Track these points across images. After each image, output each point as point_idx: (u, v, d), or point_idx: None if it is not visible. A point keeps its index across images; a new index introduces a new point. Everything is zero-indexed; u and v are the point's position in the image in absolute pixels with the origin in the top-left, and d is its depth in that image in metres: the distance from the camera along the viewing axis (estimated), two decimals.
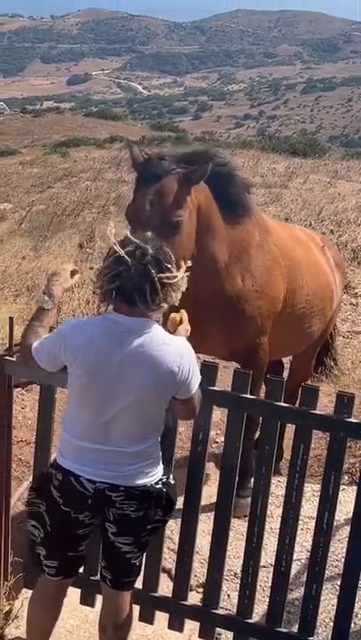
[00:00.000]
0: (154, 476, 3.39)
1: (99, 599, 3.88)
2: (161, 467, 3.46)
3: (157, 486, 3.40)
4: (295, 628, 3.92)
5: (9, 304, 10.01)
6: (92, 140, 44.99)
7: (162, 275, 3.12)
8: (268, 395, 3.76)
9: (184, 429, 6.15)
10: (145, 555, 3.87)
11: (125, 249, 3.13)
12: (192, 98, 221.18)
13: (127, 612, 3.54)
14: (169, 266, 3.17)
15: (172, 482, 3.52)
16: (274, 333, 5.21)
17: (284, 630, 3.90)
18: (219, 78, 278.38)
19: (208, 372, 3.80)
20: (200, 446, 3.89)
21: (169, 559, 4.61)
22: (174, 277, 3.18)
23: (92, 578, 4.05)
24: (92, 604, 4.14)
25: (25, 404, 6.47)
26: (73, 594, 4.18)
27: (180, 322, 3.63)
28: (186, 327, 3.62)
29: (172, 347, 3.23)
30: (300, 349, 6.03)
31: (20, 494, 5.07)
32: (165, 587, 4.26)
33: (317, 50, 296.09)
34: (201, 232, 4.60)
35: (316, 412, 3.68)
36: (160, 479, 3.43)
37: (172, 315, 3.66)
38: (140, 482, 3.34)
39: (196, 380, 3.30)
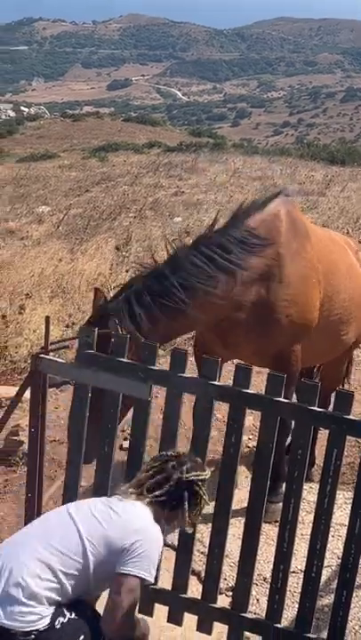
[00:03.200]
0: (23, 623, 3.04)
1: None
2: (39, 624, 3.06)
3: (22, 637, 3.04)
4: (324, 635, 3.90)
5: (45, 305, 10.07)
6: (131, 144, 45.09)
7: (186, 485, 3.38)
8: (302, 399, 3.74)
9: (216, 433, 6.15)
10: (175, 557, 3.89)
11: (168, 453, 3.54)
12: (231, 104, 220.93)
13: None
14: (195, 488, 3.42)
15: (59, 625, 3.11)
16: (308, 340, 5.19)
17: (314, 636, 3.88)
18: (258, 85, 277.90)
19: (242, 375, 3.80)
20: (232, 448, 3.88)
21: (199, 562, 4.61)
22: (195, 497, 3.42)
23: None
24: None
25: (59, 403, 6.51)
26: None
27: None
28: None
29: (147, 521, 3.31)
30: (334, 356, 5.98)
31: (51, 493, 5.09)
32: (195, 589, 4.26)
33: (358, 58, 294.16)
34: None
35: (350, 417, 3.66)
36: (35, 629, 3.05)
37: None
38: (6, 622, 3.04)
39: (142, 565, 3.19)
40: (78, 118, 73.23)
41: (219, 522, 3.99)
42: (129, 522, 3.23)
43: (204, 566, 4.14)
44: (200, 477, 3.42)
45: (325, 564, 3.93)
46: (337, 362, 6.16)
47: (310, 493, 5.21)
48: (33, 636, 3.05)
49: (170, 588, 4.10)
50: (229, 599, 4.27)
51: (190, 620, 4.10)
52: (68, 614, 3.15)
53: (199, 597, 4.10)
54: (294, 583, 4.38)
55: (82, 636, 3.14)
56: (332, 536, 4.45)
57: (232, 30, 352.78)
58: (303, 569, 3.92)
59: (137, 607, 3.34)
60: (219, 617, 4.05)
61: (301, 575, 3.95)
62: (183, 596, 4.09)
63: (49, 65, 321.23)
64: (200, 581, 4.35)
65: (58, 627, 3.10)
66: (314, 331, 5.20)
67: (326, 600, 4.41)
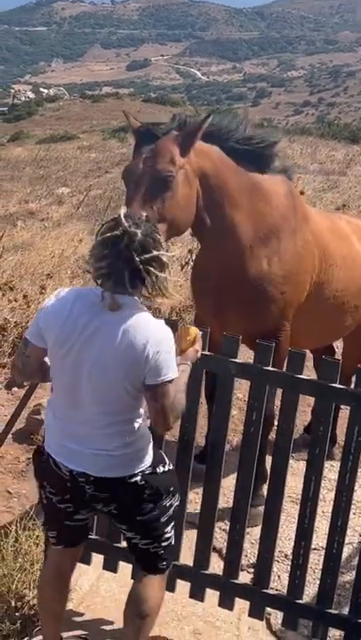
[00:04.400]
0: (127, 469, 3.25)
1: None
2: (142, 460, 3.30)
3: (131, 480, 3.25)
4: (346, 611, 3.91)
5: (65, 286, 10.08)
6: None
7: (146, 264, 3.04)
8: (323, 376, 3.74)
9: (237, 412, 6.16)
10: (198, 534, 3.89)
11: (113, 232, 3.05)
12: (251, 84, 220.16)
13: (148, 590, 3.46)
14: (156, 253, 3.07)
15: (161, 470, 3.38)
16: (300, 323, 5.12)
17: (335, 612, 3.90)
18: (278, 65, 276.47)
19: (263, 352, 3.80)
20: (253, 427, 3.89)
21: (220, 539, 4.64)
22: (160, 266, 3.09)
23: None
24: None
25: None
26: (124, 568, 4.23)
27: (194, 341, 3.55)
28: (196, 349, 3.55)
29: (146, 325, 3.10)
30: (334, 340, 5.91)
31: None
32: (217, 566, 4.28)
33: None
34: (213, 201, 4.56)
35: None
36: (139, 472, 3.28)
37: (188, 327, 3.61)
38: (107, 474, 3.22)
39: (167, 368, 3.11)
40: (98, 99, 73.29)
41: (240, 499, 4.00)
42: (135, 342, 3.04)
43: (226, 543, 4.16)
44: (162, 256, 3.10)
45: (346, 541, 3.93)
46: (356, 340, 6.09)
47: (331, 471, 5.22)
48: (139, 477, 3.27)
49: (191, 565, 4.12)
50: (251, 576, 4.29)
51: (212, 595, 4.13)
52: (167, 465, 3.46)
53: (221, 574, 4.12)
54: (315, 560, 4.40)
55: (172, 487, 3.43)
56: (353, 513, 4.47)
57: (252, 9, 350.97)
58: (324, 546, 3.93)
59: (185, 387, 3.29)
60: (240, 593, 4.06)
61: (322, 552, 3.96)
62: (205, 572, 4.11)
63: (68, 46, 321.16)
64: (221, 558, 4.38)
65: (160, 473, 3.37)
66: (304, 315, 5.13)
67: (348, 577, 4.43)
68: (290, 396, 3.81)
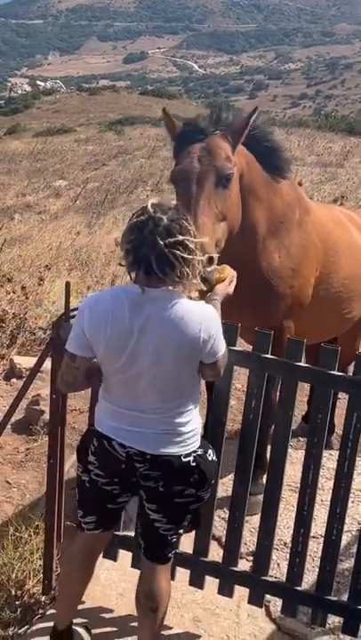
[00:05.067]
0: (184, 447, 3.32)
1: None
2: (196, 439, 3.38)
3: (185, 459, 3.32)
4: (344, 598, 3.93)
5: (63, 278, 10.12)
6: (148, 118, 44.96)
7: (171, 248, 3.03)
8: (322, 363, 3.74)
9: (235, 402, 6.17)
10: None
11: (139, 218, 3.09)
12: (248, 77, 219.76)
13: (158, 584, 3.49)
14: (181, 238, 3.06)
15: (210, 458, 3.45)
16: (306, 317, 5.08)
17: (334, 598, 3.91)
18: (275, 57, 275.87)
19: (262, 340, 3.81)
20: (252, 414, 3.90)
21: (219, 527, 4.65)
22: (187, 251, 3.08)
23: None
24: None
25: None
26: (124, 557, 4.25)
27: (224, 278, 3.70)
28: (226, 285, 3.69)
29: (194, 313, 3.14)
30: (338, 333, 5.93)
31: (73, 461, 5.14)
32: (216, 554, 4.30)
33: None
34: (243, 199, 4.49)
35: None
36: (192, 452, 3.35)
37: (224, 267, 3.74)
38: (164, 451, 3.29)
39: (220, 346, 3.24)
40: (94, 92, 73.11)
41: (239, 486, 4.01)
42: (189, 331, 3.10)
43: (225, 531, 4.17)
44: (188, 241, 3.10)
45: (345, 529, 3.93)
46: (352, 332, 6.08)
47: (330, 460, 5.24)
48: (192, 457, 3.33)
49: (190, 552, 4.13)
50: (250, 563, 4.30)
51: (212, 583, 4.14)
52: (214, 454, 3.51)
53: (220, 561, 4.13)
54: (314, 548, 4.41)
55: (213, 481, 3.50)
56: (352, 501, 4.48)
57: (248, 1, 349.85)
58: (323, 534, 3.93)
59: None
60: (240, 580, 4.08)
61: (321, 540, 3.96)
62: (204, 559, 4.12)
63: (64, 39, 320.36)
64: (221, 546, 4.39)
65: (209, 459, 3.44)
66: (313, 307, 5.10)
67: (346, 564, 4.44)
68: (288, 383, 3.82)
